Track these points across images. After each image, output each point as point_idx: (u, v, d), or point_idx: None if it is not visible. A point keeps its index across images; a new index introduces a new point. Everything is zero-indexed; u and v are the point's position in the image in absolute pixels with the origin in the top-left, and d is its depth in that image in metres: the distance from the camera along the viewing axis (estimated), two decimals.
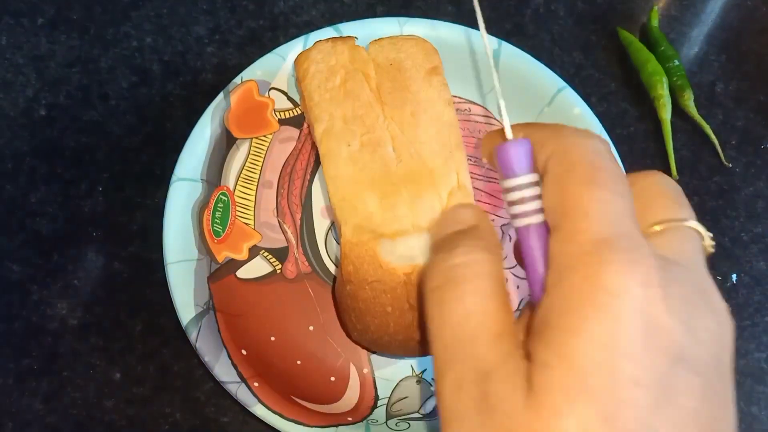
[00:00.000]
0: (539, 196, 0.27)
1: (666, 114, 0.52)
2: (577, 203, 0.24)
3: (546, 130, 0.28)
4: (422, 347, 0.41)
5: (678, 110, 0.53)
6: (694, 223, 0.27)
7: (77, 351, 0.44)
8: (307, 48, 0.47)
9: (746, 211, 0.51)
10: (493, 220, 0.48)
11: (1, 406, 0.43)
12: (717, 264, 0.49)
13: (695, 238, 0.27)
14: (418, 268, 0.40)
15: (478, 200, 0.49)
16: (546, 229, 0.26)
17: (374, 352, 0.44)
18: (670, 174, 0.51)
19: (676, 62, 0.54)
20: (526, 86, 0.50)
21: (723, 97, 0.55)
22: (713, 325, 0.24)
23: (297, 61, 0.47)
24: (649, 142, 0.53)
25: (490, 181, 0.50)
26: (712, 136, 0.52)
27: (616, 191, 0.25)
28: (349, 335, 0.43)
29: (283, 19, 0.56)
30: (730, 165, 0.52)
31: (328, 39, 0.47)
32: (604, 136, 0.47)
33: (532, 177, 0.27)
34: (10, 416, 0.42)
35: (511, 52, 0.50)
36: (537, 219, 0.27)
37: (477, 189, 0.49)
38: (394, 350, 0.41)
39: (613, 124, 0.52)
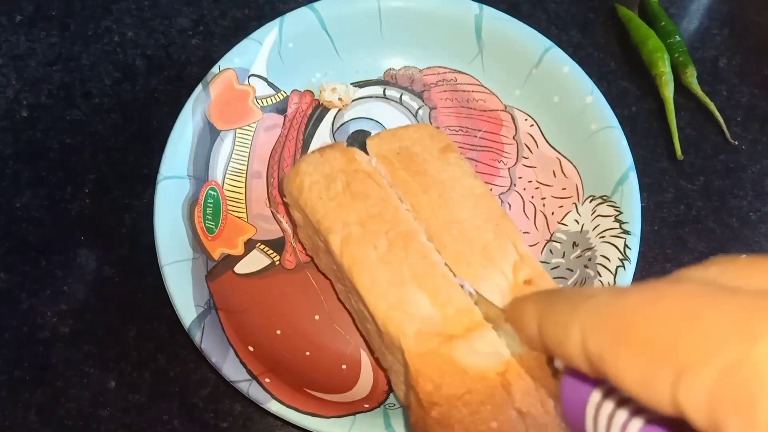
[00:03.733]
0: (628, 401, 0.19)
1: (668, 92, 0.50)
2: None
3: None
4: None
5: (680, 87, 0.51)
6: None
7: (70, 360, 0.43)
8: (297, 164, 0.41)
9: (754, 189, 0.49)
10: (491, 189, 0.47)
11: None
12: (725, 245, 0.47)
13: None
14: (512, 363, 0.32)
15: (474, 170, 0.47)
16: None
17: None
18: (674, 153, 0.49)
19: (677, 38, 0.52)
20: (512, 49, 0.49)
21: (726, 73, 0.53)
22: None
23: (287, 181, 0.41)
24: (652, 121, 0.51)
25: (484, 151, 0.48)
26: (717, 113, 0.50)
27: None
28: None
29: (269, 7, 0.54)
30: (736, 143, 0.50)
31: (314, 151, 0.42)
32: (597, 93, 0.46)
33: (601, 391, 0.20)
34: (4, 430, 0.41)
35: (493, 15, 0.49)
36: (638, 425, 0.18)
37: (472, 160, 0.48)
38: None
39: (614, 104, 0.50)
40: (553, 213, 0.46)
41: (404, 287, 0.34)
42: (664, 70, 0.50)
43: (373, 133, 0.43)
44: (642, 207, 0.45)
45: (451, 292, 0.34)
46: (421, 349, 0.33)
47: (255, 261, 0.45)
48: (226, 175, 0.47)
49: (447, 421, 0.31)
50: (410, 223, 0.37)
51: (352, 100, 0.50)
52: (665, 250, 0.47)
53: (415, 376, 0.32)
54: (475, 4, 0.49)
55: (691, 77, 0.51)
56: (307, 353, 0.42)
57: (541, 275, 0.36)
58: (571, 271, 0.44)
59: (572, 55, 0.47)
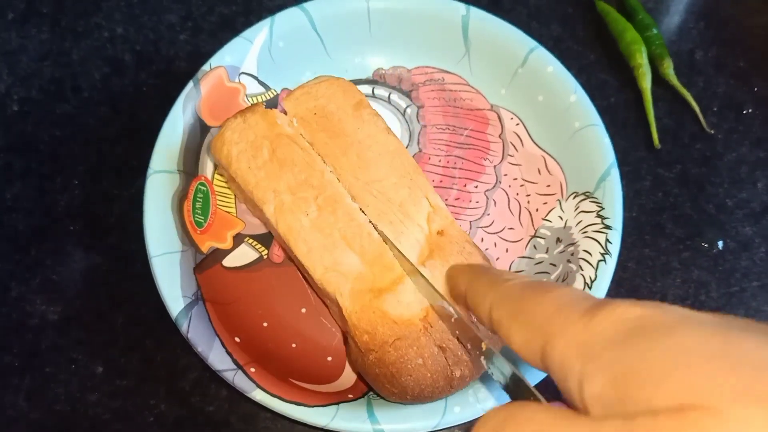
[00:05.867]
0: None
1: (646, 83, 0.51)
2: None
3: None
4: (465, 379, 0.38)
5: (658, 79, 0.52)
6: None
7: (59, 346, 0.44)
8: (220, 129, 0.44)
9: (730, 177, 0.50)
10: (476, 187, 0.48)
11: None
12: (703, 231, 0.48)
13: None
14: (431, 307, 0.38)
15: (460, 168, 0.48)
16: None
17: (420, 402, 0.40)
18: (651, 142, 0.50)
19: (655, 31, 0.53)
20: (497, 49, 0.50)
21: (703, 64, 0.54)
22: None
23: (214, 150, 0.43)
24: (630, 111, 0.52)
25: (471, 149, 0.49)
26: (693, 104, 0.51)
27: None
28: (386, 398, 0.40)
29: (256, 3, 0.55)
30: (712, 132, 0.52)
31: (235, 115, 0.44)
32: (581, 92, 0.47)
33: None
34: None
35: (479, 17, 0.50)
36: None
37: (458, 157, 0.49)
38: (438, 396, 0.38)
39: (594, 95, 0.51)
40: (537, 209, 0.47)
41: (336, 250, 0.39)
42: (641, 62, 0.52)
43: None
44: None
45: (377, 250, 0.39)
46: (356, 307, 0.38)
47: (243, 255, 0.46)
48: (216, 171, 0.47)
49: (382, 362, 0.37)
50: (335, 185, 0.41)
51: None
52: (643, 236, 0.48)
53: (353, 329, 0.38)
54: (462, 5, 0.50)
55: (668, 69, 0.52)
56: (293, 345, 0.43)
57: (452, 224, 0.41)
58: (555, 266, 0.44)
59: (552, 49, 0.48)
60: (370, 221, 0.40)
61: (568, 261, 0.44)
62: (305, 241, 0.40)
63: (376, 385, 0.39)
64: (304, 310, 0.44)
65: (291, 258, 0.43)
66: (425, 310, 0.38)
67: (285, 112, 0.44)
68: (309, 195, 0.41)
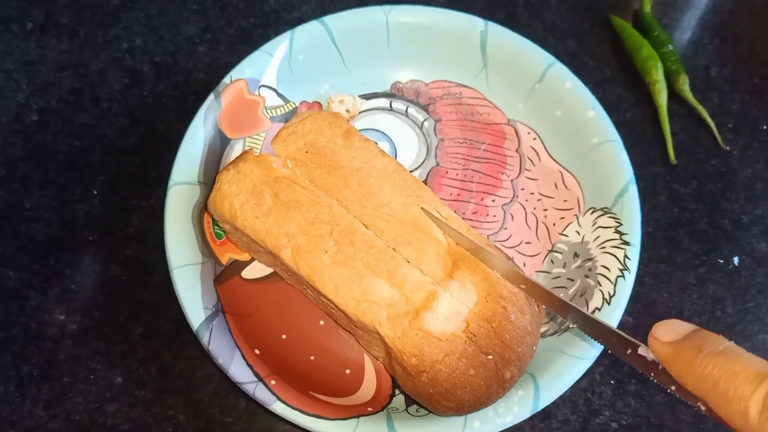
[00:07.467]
0: None
1: (662, 99, 0.52)
2: None
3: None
4: (514, 378, 0.38)
5: (673, 95, 0.53)
6: None
7: (77, 356, 0.44)
8: (219, 176, 0.43)
9: (745, 193, 0.50)
10: (493, 201, 0.48)
11: (3, 414, 0.42)
12: (718, 247, 0.49)
13: None
14: (470, 317, 0.37)
15: (477, 182, 0.49)
16: None
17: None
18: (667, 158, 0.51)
19: (670, 47, 0.54)
20: (515, 64, 0.50)
21: (718, 81, 0.55)
22: None
23: (213, 207, 0.43)
24: (646, 127, 0.52)
25: (488, 163, 0.50)
26: (709, 120, 0.52)
27: None
28: (442, 415, 0.40)
29: (274, 16, 0.56)
30: (728, 148, 0.52)
31: (228, 167, 0.43)
32: (599, 107, 0.47)
33: None
34: (12, 424, 0.42)
35: (498, 32, 0.50)
36: None
37: (475, 171, 0.49)
38: (493, 400, 0.39)
39: (610, 110, 0.51)
40: (554, 224, 0.47)
41: (364, 280, 0.38)
42: (657, 78, 0.52)
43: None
44: None
45: (403, 271, 0.39)
46: (398, 332, 0.37)
47: (262, 266, 0.46)
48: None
49: (435, 381, 0.37)
50: (346, 217, 0.40)
51: (360, 112, 0.51)
52: (659, 251, 0.48)
53: (399, 355, 0.37)
54: (481, 20, 0.50)
55: (684, 85, 0.52)
56: (312, 357, 0.43)
57: (468, 231, 0.41)
58: (572, 280, 0.45)
59: (568, 64, 0.49)
60: (389, 246, 0.40)
61: (586, 276, 0.44)
62: (331, 278, 0.39)
63: (431, 404, 0.39)
64: (322, 323, 0.44)
65: (316, 301, 0.43)
66: (466, 320, 0.37)
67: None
68: (323, 231, 0.40)
